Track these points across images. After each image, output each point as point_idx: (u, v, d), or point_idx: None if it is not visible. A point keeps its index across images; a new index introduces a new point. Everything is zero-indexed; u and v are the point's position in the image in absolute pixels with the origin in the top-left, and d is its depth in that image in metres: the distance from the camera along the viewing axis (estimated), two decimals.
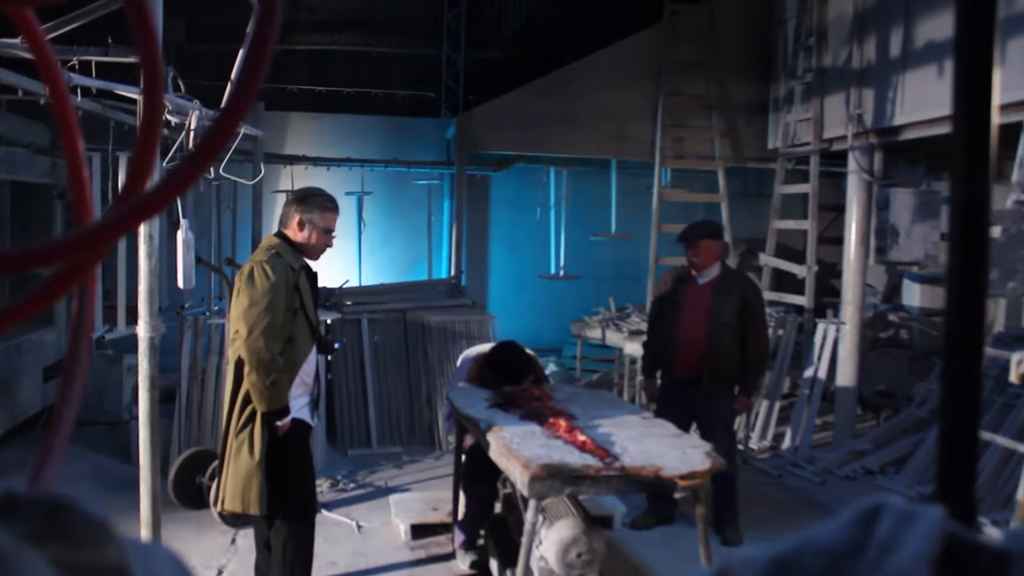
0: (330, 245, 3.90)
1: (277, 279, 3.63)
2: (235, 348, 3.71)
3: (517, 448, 3.40)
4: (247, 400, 3.68)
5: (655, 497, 5.18)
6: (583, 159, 10.17)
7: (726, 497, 5.05)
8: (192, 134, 4.53)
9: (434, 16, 11.16)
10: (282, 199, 8.60)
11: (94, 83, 4.24)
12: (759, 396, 7.07)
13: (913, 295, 9.75)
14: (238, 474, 3.68)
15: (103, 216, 0.50)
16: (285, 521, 3.80)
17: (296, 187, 7.63)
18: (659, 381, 5.47)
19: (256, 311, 3.59)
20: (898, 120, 6.65)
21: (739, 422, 6.68)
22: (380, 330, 7.19)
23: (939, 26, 6.18)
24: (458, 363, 5.29)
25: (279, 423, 3.68)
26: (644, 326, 6.68)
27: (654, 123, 8.78)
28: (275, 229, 3.94)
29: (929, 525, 0.38)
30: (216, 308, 6.42)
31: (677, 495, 3.83)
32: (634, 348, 7.16)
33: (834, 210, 9.20)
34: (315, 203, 3.82)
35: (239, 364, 3.68)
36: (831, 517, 0.40)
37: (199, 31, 10.01)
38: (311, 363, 3.89)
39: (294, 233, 3.81)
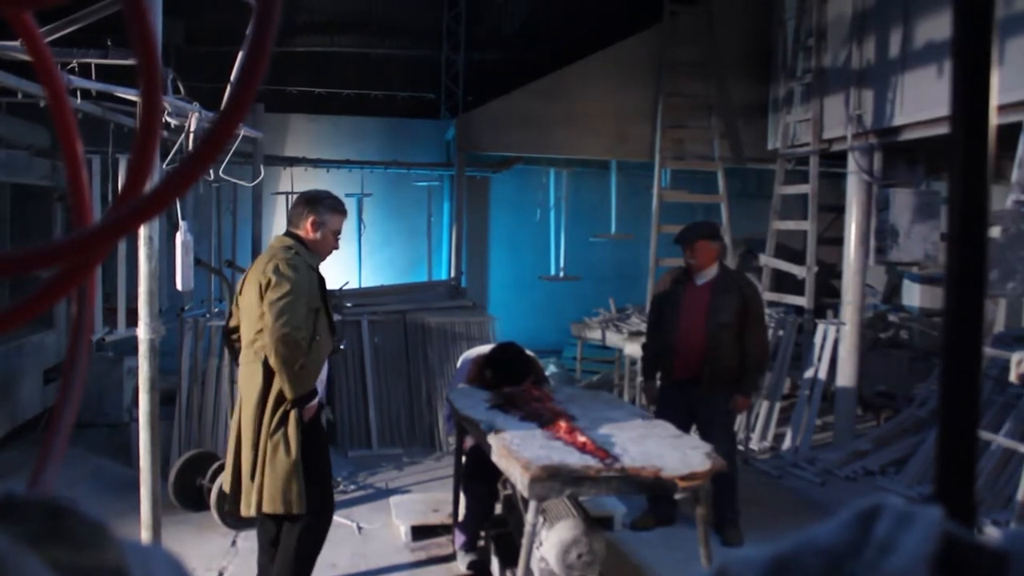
0: (336, 247, 4.00)
1: (301, 275, 3.71)
2: (259, 346, 3.72)
3: (517, 449, 3.40)
4: (279, 401, 3.70)
5: (655, 498, 5.17)
6: (583, 160, 10.17)
7: (726, 498, 5.04)
8: (191, 136, 4.53)
9: (433, 17, 11.15)
10: (282, 201, 8.68)
11: (93, 85, 4.25)
12: (759, 396, 7.06)
13: (913, 295, 9.74)
14: (276, 475, 3.69)
15: (102, 218, 0.50)
16: (306, 516, 3.81)
17: (296, 189, 7.65)
18: (659, 382, 5.47)
19: (283, 302, 3.64)
20: (897, 120, 6.65)
21: (739, 423, 6.68)
22: (380, 332, 7.19)
23: (938, 26, 6.19)
24: (458, 364, 5.29)
25: (308, 405, 3.72)
26: (644, 327, 6.68)
27: (654, 124, 8.78)
28: (276, 231, 3.97)
29: (927, 525, 0.38)
30: (216, 310, 6.41)
31: (677, 496, 3.83)
32: (634, 349, 7.16)
33: (834, 211, 9.20)
34: (327, 205, 3.92)
35: (267, 364, 3.69)
36: (831, 518, 0.40)
37: (199, 32, 10.00)
38: (325, 364, 3.96)
39: (306, 233, 3.88)
